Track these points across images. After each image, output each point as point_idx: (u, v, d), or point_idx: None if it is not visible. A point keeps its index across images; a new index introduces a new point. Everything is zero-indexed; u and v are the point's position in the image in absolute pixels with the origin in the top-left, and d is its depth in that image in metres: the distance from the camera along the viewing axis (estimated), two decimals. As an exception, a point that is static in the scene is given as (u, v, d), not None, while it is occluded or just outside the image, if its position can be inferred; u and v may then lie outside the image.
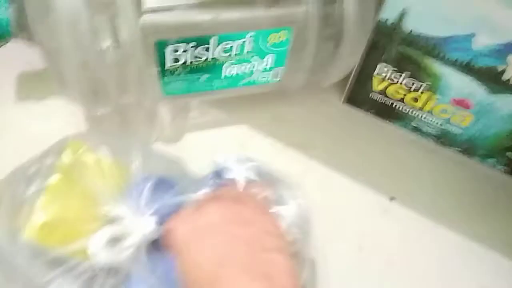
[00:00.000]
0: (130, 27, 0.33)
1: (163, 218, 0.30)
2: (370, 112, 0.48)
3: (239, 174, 0.32)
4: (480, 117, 0.41)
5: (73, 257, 0.28)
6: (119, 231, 0.28)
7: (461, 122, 0.43)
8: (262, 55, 0.37)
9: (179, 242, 0.28)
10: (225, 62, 0.37)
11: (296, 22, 0.36)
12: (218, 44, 0.35)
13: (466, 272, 0.39)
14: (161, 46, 0.34)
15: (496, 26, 0.35)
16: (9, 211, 0.30)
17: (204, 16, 0.34)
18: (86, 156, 0.31)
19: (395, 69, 0.42)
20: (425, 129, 0.46)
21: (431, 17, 0.37)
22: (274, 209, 0.32)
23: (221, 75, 0.38)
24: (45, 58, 0.35)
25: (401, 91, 0.43)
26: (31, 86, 0.46)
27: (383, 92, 0.45)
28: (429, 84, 0.41)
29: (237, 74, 0.39)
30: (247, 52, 0.37)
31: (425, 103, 0.43)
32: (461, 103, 0.41)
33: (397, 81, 0.43)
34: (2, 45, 0.48)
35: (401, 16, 0.38)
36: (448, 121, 0.44)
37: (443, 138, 0.46)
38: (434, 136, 0.46)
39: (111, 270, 0.28)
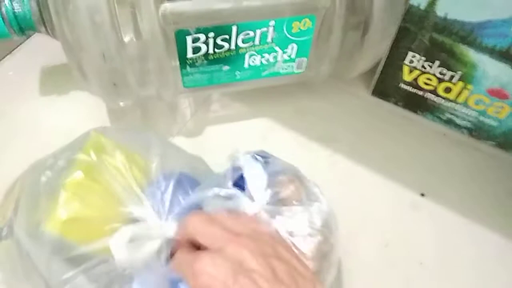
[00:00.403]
0: (150, 17, 0.32)
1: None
2: (399, 104, 0.46)
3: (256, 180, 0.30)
4: (518, 109, 0.39)
5: (93, 256, 0.27)
6: (141, 233, 0.28)
7: (497, 114, 0.40)
8: (285, 44, 0.36)
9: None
10: (247, 52, 0.36)
11: (320, 9, 0.34)
12: (239, 33, 0.34)
13: (503, 273, 0.37)
14: (181, 36, 0.33)
15: (539, 9, 0.32)
16: (29, 204, 0.29)
17: (224, 4, 0.33)
18: (109, 152, 0.30)
19: (426, 57, 0.40)
20: (458, 121, 0.43)
21: (466, 1, 0.34)
22: (305, 205, 0.30)
23: (243, 66, 0.37)
24: (66, 51, 0.35)
25: (432, 81, 0.41)
26: (54, 80, 0.47)
27: (413, 83, 0.43)
28: (463, 74, 0.39)
29: (259, 64, 0.37)
30: (269, 41, 0.35)
31: (459, 94, 0.41)
32: (498, 94, 0.39)
33: (429, 71, 0.41)
34: (25, 40, 0.49)
35: (434, 0, 0.35)
36: (483, 113, 0.41)
37: (478, 131, 0.43)
38: (468, 129, 0.44)
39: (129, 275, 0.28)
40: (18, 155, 0.39)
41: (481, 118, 0.42)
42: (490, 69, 0.37)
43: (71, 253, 0.27)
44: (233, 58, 0.36)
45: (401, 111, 0.46)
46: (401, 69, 0.42)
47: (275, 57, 0.37)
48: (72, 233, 0.28)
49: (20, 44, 0.49)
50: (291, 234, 0.29)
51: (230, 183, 0.30)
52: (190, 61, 0.35)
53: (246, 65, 0.37)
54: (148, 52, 0.34)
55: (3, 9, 0.36)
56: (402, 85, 0.43)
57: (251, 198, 0.29)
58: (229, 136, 0.43)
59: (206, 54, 0.35)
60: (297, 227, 0.29)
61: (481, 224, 0.39)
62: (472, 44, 0.37)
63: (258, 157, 0.31)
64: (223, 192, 0.29)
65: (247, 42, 0.35)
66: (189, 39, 0.33)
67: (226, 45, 0.35)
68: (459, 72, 0.39)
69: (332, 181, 0.39)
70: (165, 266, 0.28)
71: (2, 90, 0.46)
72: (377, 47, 0.39)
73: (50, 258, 0.27)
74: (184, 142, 0.43)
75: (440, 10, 0.36)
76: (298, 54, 0.37)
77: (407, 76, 0.42)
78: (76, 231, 0.28)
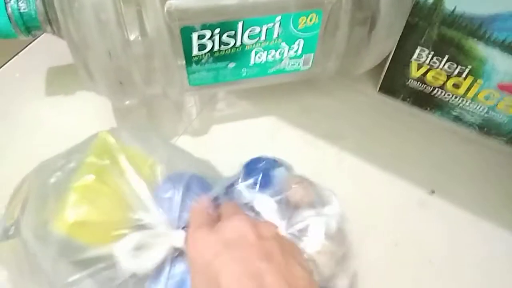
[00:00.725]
0: (156, 14, 0.32)
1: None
2: (407, 101, 0.45)
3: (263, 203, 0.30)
4: (529, 104, 0.38)
5: (99, 261, 0.27)
6: (148, 240, 0.28)
7: (508, 110, 0.40)
8: (291, 40, 0.36)
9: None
10: (253, 49, 0.36)
11: (326, 4, 0.34)
12: (245, 29, 0.34)
13: (516, 271, 0.36)
14: (186, 33, 0.33)
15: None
16: (37, 205, 0.29)
17: (230, 0, 0.32)
18: (119, 154, 0.30)
19: (435, 53, 0.39)
20: (467, 117, 0.43)
21: (475, -6, 0.34)
22: (318, 208, 0.30)
23: (249, 63, 0.37)
24: (72, 50, 0.35)
25: (441, 77, 0.41)
26: (60, 80, 0.47)
27: (421, 79, 0.42)
28: (472, 68, 0.39)
29: (265, 61, 0.37)
30: (276, 37, 0.35)
31: (468, 89, 0.40)
32: (508, 89, 0.38)
33: (437, 66, 0.40)
34: (31, 41, 0.49)
35: (442, -7, 0.35)
36: (493, 108, 0.41)
37: (487, 127, 0.43)
38: (477, 125, 0.43)
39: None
40: (25, 154, 0.39)
41: (491, 114, 0.41)
42: (500, 63, 0.37)
43: (77, 256, 0.27)
44: (239, 55, 0.36)
45: (408, 108, 0.45)
46: (409, 65, 0.41)
47: (281, 54, 0.37)
48: (79, 236, 0.28)
49: (27, 45, 0.50)
50: (304, 238, 0.29)
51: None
52: (196, 59, 0.35)
53: (252, 62, 0.37)
54: (153, 50, 0.34)
55: (9, 9, 0.36)
56: (410, 82, 0.43)
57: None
58: (235, 135, 0.43)
59: (212, 51, 0.35)
60: (313, 232, 0.29)
61: (491, 222, 0.38)
62: (481, 38, 0.36)
63: (261, 180, 0.31)
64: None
65: (253, 39, 0.35)
66: (194, 36, 0.33)
67: (232, 41, 0.34)
68: (468, 67, 0.39)
69: (339, 179, 0.39)
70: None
71: (9, 91, 0.46)
72: (384, 42, 0.39)
73: (55, 259, 0.27)
74: (190, 141, 0.42)
75: (449, 4, 0.35)
76: (305, 50, 0.37)
77: (415, 72, 0.42)
78: (83, 234, 0.28)
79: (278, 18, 0.34)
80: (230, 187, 0.31)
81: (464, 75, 0.39)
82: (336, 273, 0.30)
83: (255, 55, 0.36)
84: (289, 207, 0.30)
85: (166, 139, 0.42)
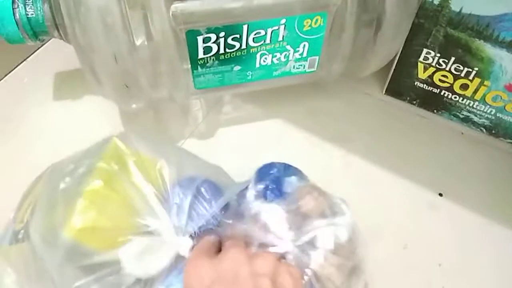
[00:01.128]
0: (161, 17, 0.32)
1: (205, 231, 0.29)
2: (414, 103, 0.45)
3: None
4: (538, 104, 0.38)
5: (106, 266, 0.27)
6: (154, 246, 0.28)
7: (517, 111, 0.39)
8: (296, 42, 0.36)
9: None
10: (258, 52, 0.36)
11: (331, 6, 0.34)
12: (250, 32, 0.34)
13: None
14: (192, 36, 0.33)
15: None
16: (46, 209, 0.29)
17: (235, 3, 0.32)
18: (129, 159, 0.30)
19: (441, 54, 0.39)
20: (475, 119, 0.42)
21: (481, -6, 0.34)
22: (329, 218, 0.30)
23: (254, 66, 0.37)
24: (79, 54, 0.35)
25: (448, 78, 0.40)
26: (68, 85, 0.47)
27: (428, 80, 0.42)
28: (479, 69, 0.38)
29: (271, 64, 0.37)
30: (281, 40, 0.35)
31: (476, 91, 0.40)
32: (517, 89, 0.38)
33: (444, 67, 0.40)
34: (38, 47, 0.50)
35: (448, -6, 0.35)
36: (501, 109, 0.40)
37: (496, 129, 0.42)
38: (486, 126, 0.42)
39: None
40: (33, 159, 0.40)
41: (499, 115, 0.41)
42: (507, 64, 0.37)
43: (84, 262, 0.27)
44: (244, 58, 0.36)
45: (416, 109, 0.45)
46: (415, 66, 0.41)
47: (286, 56, 0.37)
48: (87, 242, 0.27)
49: (34, 51, 0.50)
50: (311, 251, 0.28)
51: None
52: (201, 62, 0.35)
53: (257, 65, 0.37)
54: (159, 53, 0.34)
55: (17, 14, 0.36)
56: (417, 83, 0.43)
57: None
58: (241, 138, 0.43)
59: (217, 54, 0.35)
60: (322, 242, 0.28)
61: (501, 224, 0.38)
62: (488, 38, 0.36)
63: (272, 187, 0.31)
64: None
65: (258, 41, 0.35)
66: (200, 39, 0.33)
67: (237, 44, 0.34)
68: (476, 68, 0.38)
69: (347, 182, 0.39)
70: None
71: (17, 96, 0.46)
72: (390, 44, 0.39)
73: (62, 264, 0.27)
74: (196, 144, 0.42)
75: (455, 4, 0.35)
76: (310, 53, 0.37)
77: (422, 74, 0.42)
78: (91, 240, 0.28)
79: (283, 21, 0.34)
80: (240, 194, 0.31)
81: (471, 77, 0.39)
82: (347, 284, 0.29)
83: (260, 58, 0.36)
84: (298, 217, 0.30)
85: (172, 142, 0.42)
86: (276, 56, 0.36)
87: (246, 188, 0.31)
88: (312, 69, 0.39)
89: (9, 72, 0.48)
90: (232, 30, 0.33)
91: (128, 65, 0.34)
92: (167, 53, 0.34)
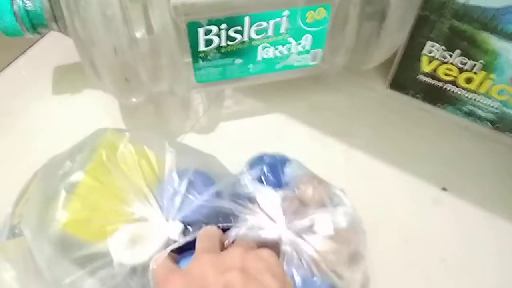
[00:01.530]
0: (162, 9, 0.32)
1: (198, 220, 0.28)
2: (417, 97, 0.44)
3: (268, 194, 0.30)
4: (544, 98, 0.37)
5: (98, 258, 0.27)
6: (143, 233, 0.27)
7: (522, 105, 0.39)
8: (299, 35, 0.35)
9: None
10: (260, 44, 0.35)
11: (335, -2, 0.33)
12: (252, 24, 0.33)
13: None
14: (193, 28, 0.32)
15: None
16: (37, 204, 0.29)
17: (236, -6, 0.32)
18: (121, 150, 0.30)
19: (446, 47, 0.38)
20: (479, 113, 0.42)
21: (487, -15, 0.33)
22: (329, 207, 0.29)
23: (256, 59, 0.36)
24: (78, 48, 0.34)
25: (452, 72, 0.40)
26: (67, 79, 0.47)
27: (432, 74, 0.41)
28: (484, 62, 0.38)
29: (273, 57, 0.37)
30: (283, 32, 0.35)
31: (480, 84, 0.39)
32: (522, 83, 0.37)
33: (448, 61, 0.39)
34: (37, 40, 0.49)
35: (453, -15, 0.34)
36: (506, 103, 0.40)
37: (500, 123, 0.42)
38: (490, 120, 0.42)
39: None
40: (32, 153, 0.39)
41: (504, 109, 0.40)
42: (513, 57, 0.36)
43: (74, 254, 0.27)
44: (246, 50, 0.35)
45: (419, 104, 0.45)
46: (419, 59, 0.41)
47: (289, 49, 0.36)
48: (74, 234, 0.27)
49: (33, 44, 0.50)
50: (308, 235, 0.28)
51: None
52: (202, 54, 0.35)
53: (259, 58, 0.36)
54: (160, 46, 0.34)
55: (15, 6, 0.36)
56: (421, 77, 0.42)
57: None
58: (242, 132, 0.43)
59: (219, 47, 0.34)
60: (320, 228, 0.28)
61: (505, 219, 0.37)
62: (493, 31, 0.35)
63: (267, 174, 0.31)
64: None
65: (260, 34, 0.34)
66: (201, 31, 0.33)
67: (238, 37, 0.34)
68: (481, 61, 0.38)
69: (348, 176, 0.38)
70: None
71: (15, 89, 0.46)
72: (394, 37, 0.38)
73: (52, 259, 0.27)
74: (197, 138, 0.42)
75: (460, -4, 0.35)
76: (313, 45, 0.36)
77: (426, 67, 0.41)
78: (78, 231, 0.27)
79: (286, 12, 0.33)
80: (235, 184, 0.31)
81: (476, 70, 0.39)
82: (346, 271, 0.29)
83: (262, 50, 0.36)
84: (296, 203, 0.30)
85: (173, 136, 0.42)
86: (278, 48, 0.36)
87: (240, 177, 0.31)
88: (315, 62, 0.38)
89: (8, 65, 0.48)
90: (233, 22, 0.33)
91: (128, 58, 0.33)
92: (167, 45, 0.34)
